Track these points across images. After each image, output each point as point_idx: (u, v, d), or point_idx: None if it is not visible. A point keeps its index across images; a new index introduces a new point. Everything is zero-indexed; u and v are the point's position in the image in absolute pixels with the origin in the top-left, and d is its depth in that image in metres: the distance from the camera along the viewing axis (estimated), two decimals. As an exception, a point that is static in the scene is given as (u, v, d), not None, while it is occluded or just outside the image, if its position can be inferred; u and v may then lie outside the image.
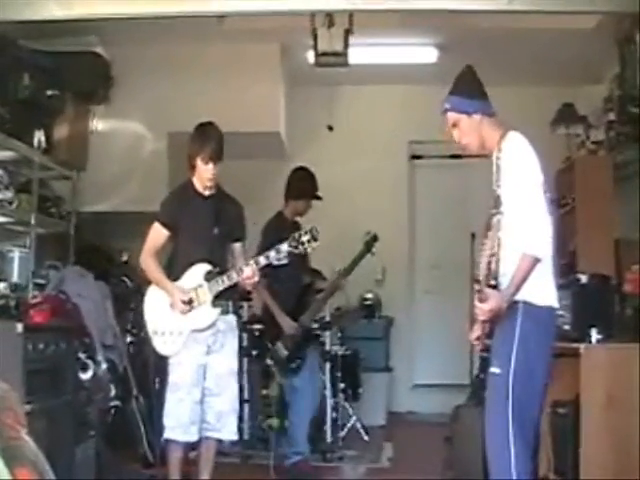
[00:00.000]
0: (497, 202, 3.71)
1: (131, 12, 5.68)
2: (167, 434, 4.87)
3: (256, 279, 4.83)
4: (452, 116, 3.94)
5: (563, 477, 5.03)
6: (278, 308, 6.20)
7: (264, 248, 5.22)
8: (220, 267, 4.86)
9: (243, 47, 7.82)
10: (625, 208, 6.85)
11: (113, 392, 6.15)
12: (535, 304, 3.67)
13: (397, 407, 9.03)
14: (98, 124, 7.92)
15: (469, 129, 3.90)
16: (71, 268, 6.46)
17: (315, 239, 4.74)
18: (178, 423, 4.80)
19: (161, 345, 4.91)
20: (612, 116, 7.41)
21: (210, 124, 4.97)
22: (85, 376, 5.57)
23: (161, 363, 5.97)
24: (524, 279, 3.61)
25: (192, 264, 4.85)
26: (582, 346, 4.79)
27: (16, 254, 5.59)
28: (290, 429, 6.33)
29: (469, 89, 3.93)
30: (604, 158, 7.11)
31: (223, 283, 4.79)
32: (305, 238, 4.71)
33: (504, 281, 3.65)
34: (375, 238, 6.60)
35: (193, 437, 4.86)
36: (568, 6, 5.53)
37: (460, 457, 5.67)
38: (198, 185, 4.95)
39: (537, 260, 3.60)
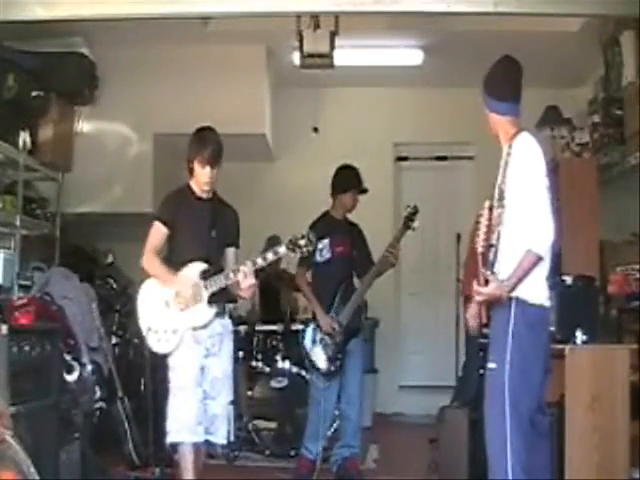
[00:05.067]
0: (501, 196, 3.83)
1: (116, 13, 5.66)
2: (174, 438, 4.74)
3: (252, 281, 4.83)
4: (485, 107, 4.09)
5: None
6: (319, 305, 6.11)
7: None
8: (216, 268, 4.85)
9: (228, 49, 7.83)
10: (609, 210, 6.88)
11: (98, 394, 6.13)
12: (527, 301, 3.79)
13: (383, 408, 9.03)
14: (83, 125, 7.90)
15: (498, 124, 4.09)
16: (56, 270, 6.43)
17: (312, 242, 4.79)
18: (185, 425, 4.70)
19: (155, 343, 4.84)
20: (596, 118, 7.44)
21: (209, 129, 4.98)
22: (70, 378, 5.56)
23: (148, 364, 5.93)
24: (525, 274, 3.74)
25: (188, 262, 4.84)
26: (567, 347, 4.81)
27: (1, 256, 5.57)
28: (344, 426, 6.22)
29: (501, 90, 4.06)
30: (589, 160, 7.12)
31: (220, 282, 4.77)
32: (302, 242, 4.75)
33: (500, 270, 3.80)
34: (415, 210, 6.32)
35: (200, 437, 4.77)
36: (553, 9, 5.54)
37: (445, 459, 5.68)
38: (196, 188, 4.96)
39: (540, 259, 3.74)
